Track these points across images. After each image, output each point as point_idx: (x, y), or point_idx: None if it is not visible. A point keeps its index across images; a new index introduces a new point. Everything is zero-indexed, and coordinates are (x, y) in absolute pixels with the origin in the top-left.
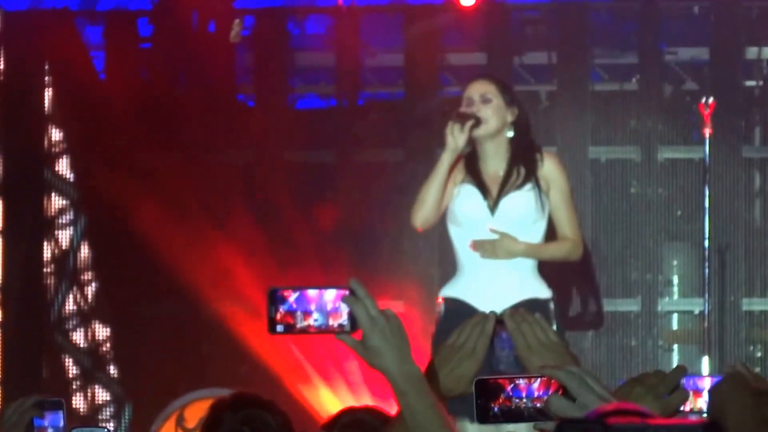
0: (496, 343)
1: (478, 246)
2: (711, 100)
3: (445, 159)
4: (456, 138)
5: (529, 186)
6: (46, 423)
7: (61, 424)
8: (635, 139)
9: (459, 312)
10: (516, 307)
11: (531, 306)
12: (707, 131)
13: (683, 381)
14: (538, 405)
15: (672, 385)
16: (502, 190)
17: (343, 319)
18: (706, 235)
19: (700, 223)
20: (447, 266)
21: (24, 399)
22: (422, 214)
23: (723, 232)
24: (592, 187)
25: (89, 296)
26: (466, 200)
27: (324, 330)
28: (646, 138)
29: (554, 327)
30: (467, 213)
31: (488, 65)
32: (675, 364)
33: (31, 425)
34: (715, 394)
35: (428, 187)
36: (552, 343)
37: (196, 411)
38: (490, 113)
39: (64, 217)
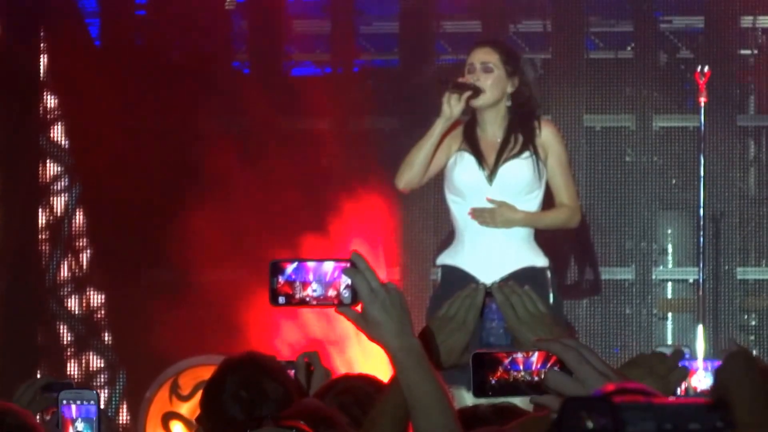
0: (486, 315)
1: (477, 214)
2: (707, 68)
3: (438, 126)
4: (452, 107)
5: (526, 154)
6: (55, 403)
7: None
8: (630, 107)
9: (455, 280)
10: (506, 279)
11: (528, 274)
12: (702, 99)
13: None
14: (536, 379)
15: (672, 367)
16: (500, 158)
17: (344, 291)
18: (701, 204)
19: (694, 191)
20: (442, 234)
21: (33, 379)
22: (406, 176)
23: (717, 201)
24: (586, 155)
25: (84, 263)
26: (464, 169)
27: (323, 301)
28: (641, 106)
29: (551, 295)
30: (465, 181)
31: (483, 33)
32: (669, 332)
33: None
34: (721, 372)
35: (417, 151)
36: (541, 314)
37: (191, 378)
38: (490, 83)
39: (58, 183)
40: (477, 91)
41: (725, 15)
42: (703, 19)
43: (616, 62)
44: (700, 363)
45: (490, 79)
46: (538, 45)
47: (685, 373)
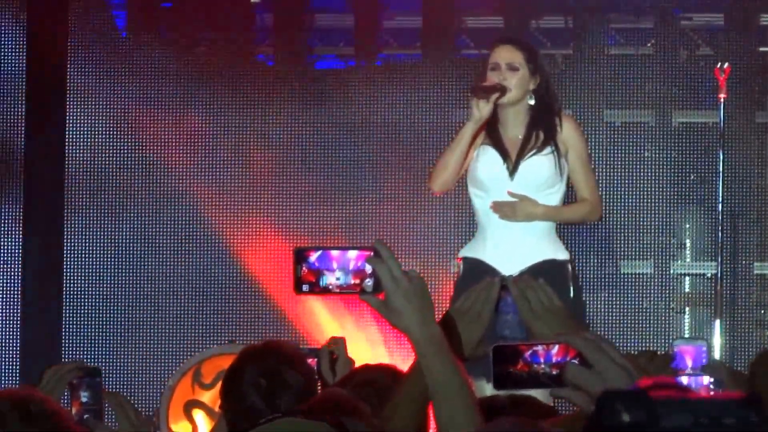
0: (502, 308)
1: (498, 207)
2: (726, 65)
3: (469, 128)
4: (480, 109)
5: (548, 149)
6: (82, 390)
7: (98, 390)
8: (650, 103)
9: (478, 272)
10: (526, 272)
11: (548, 267)
12: (722, 96)
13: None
14: (555, 372)
15: (661, 367)
16: (521, 154)
17: (367, 279)
18: (719, 199)
19: (713, 187)
20: (463, 227)
21: (61, 365)
22: (441, 180)
23: (736, 197)
24: (606, 150)
25: (109, 252)
26: (486, 163)
27: (346, 289)
28: (661, 102)
29: (571, 289)
30: (487, 175)
31: (505, 29)
32: (686, 327)
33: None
34: (756, 366)
35: (450, 154)
36: (556, 307)
37: (213, 367)
38: (515, 82)
39: (83, 173)
40: (503, 91)
41: (745, 13)
42: (723, 16)
43: (636, 58)
44: (684, 379)
45: (515, 78)
46: (560, 41)
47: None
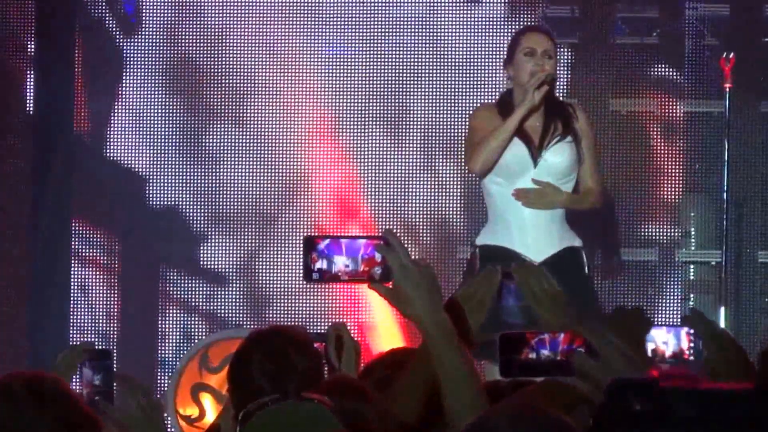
0: (504, 295)
1: (522, 195)
2: (731, 55)
3: (520, 114)
4: (535, 97)
5: (569, 138)
6: (93, 372)
7: (109, 373)
8: (655, 92)
9: (502, 258)
10: (551, 258)
11: (569, 254)
12: (727, 86)
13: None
14: (561, 359)
15: (637, 318)
16: (543, 142)
17: (376, 267)
18: (725, 188)
19: (718, 176)
20: (472, 215)
21: (73, 347)
22: (483, 161)
23: (741, 186)
24: (612, 138)
25: (118, 234)
26: (510, 151)
27: (355, 277)
28: (666, 91)
29: (587, 274)
30: (511, 163)
31: (512, 18)
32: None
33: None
34: (766, 357)
35: (498, 137)
36: (557, 293)
37: (221, 351)
38: (548, 70)
39: (91, 160)
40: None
41: (750, 3)
42: (728, 6)
43: (642, 48)
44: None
45: (548, 66)
46: (566, 30)
47: (649, 324)
